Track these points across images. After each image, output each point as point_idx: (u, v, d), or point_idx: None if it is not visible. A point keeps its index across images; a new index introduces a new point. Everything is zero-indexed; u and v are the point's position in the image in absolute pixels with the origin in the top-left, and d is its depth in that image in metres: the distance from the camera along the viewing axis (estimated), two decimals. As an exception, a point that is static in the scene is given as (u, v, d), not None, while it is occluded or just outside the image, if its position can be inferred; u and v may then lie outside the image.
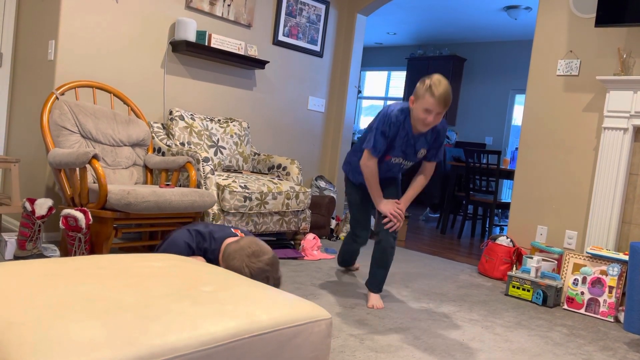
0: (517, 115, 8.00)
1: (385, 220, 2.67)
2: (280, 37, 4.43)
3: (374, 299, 2.74)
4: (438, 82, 2.39)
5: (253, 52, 4.12)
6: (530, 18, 6.67)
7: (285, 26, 4.45)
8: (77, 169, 2.69)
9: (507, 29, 7.42)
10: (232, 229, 2.31)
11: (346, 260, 3.29)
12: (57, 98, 3.00)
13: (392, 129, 2.54)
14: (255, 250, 2.05)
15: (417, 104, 2.46)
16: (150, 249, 3.12)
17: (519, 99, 7.98)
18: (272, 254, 2.08)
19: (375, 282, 2.76)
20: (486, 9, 6.60)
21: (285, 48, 4.51)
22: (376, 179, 2.64)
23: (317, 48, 4.75)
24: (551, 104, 3.74)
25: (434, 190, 6.16)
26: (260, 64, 4.14)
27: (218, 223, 3.19)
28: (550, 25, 3.76)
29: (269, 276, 2.03)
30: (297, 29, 4.55)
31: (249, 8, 4.14)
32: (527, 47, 7.80)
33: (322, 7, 4.71)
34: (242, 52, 4.01)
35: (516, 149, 6.02)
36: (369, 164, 2.61)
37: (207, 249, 2.21)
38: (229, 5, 4.01)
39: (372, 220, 4.70)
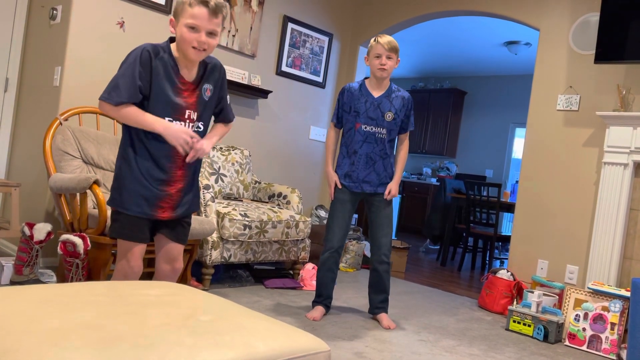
0: (518, 148, 8.03)
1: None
2: (284, 68, 4.49)
3: (386, 319, 2.92)
4: (381, 35, 2.81)
5: (256, 81, 4.17)
6: (530, 53, 6.76)
7: (288, 57, 4.52)
8: (78, 194, 2.69)
9: (507, 64, 7.52)
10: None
11: (324, 287, 2.95)
12: (60, 123, 3.02)
13: (345, 95, 2.89)
14: None
15: (369, 56, 2.82)
16: (149, 276, 3.09)
17: (519, 132, 8.03)
18: None
19: (381, 305, 2.96)
20: (487, 44, 6.70)
21: (288, 78, 4.56)
22: (332, 147, 2.96)
23: (319, 79, 4.81)
24: (551, 138, 3.76)
25: (435, 222, 6.14)
26: (264, 93, 4.18)
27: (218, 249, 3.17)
28: (550, 61, 3.81)
29: None
30: (300, 60, 4.62)
31: (253, 39, 4.21)
32: (527, 81, 7.88)
33: (326, 39, 4.79)
34: (245, 82, 4.06)
35: (516, 182, 6.03)
36: (329, 133, 2.98)
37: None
38: (233, 36, 4.07)
39: (367, 247, 4.67)
